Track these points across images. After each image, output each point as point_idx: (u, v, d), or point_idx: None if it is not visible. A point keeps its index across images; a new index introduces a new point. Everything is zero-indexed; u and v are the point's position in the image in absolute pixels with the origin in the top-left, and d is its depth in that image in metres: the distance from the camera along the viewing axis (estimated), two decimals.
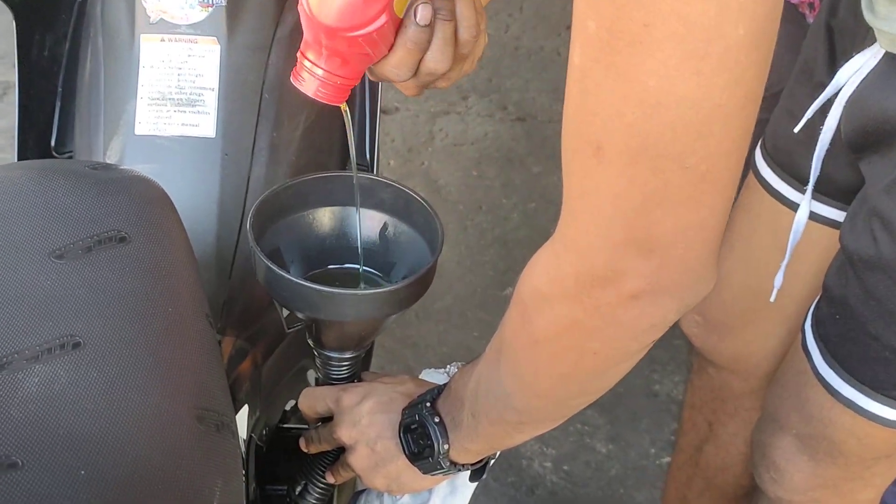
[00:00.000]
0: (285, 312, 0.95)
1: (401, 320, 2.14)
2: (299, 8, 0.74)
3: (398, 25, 0.76)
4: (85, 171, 0.76)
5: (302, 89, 0.79)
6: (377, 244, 0.99)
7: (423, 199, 0.95)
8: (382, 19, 0.73)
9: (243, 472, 0.71)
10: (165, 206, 0.78)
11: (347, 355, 0.99)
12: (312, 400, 1.00)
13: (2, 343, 0.58)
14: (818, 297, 1.02)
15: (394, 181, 0.98)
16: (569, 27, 0.58)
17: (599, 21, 0.54)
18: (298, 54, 0.78)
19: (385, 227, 0.98)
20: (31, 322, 0.60)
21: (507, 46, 2.88)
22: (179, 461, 0.57)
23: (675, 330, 1.35)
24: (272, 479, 1.07)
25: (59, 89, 1.15)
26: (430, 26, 0.76)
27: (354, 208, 0.97)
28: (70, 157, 1.12)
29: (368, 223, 0.99)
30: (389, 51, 0.77)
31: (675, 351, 2.07)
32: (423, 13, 0.75)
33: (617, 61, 0.55)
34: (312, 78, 0.77)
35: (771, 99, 1.18)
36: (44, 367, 0.57)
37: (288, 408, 1.19)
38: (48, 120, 1.15)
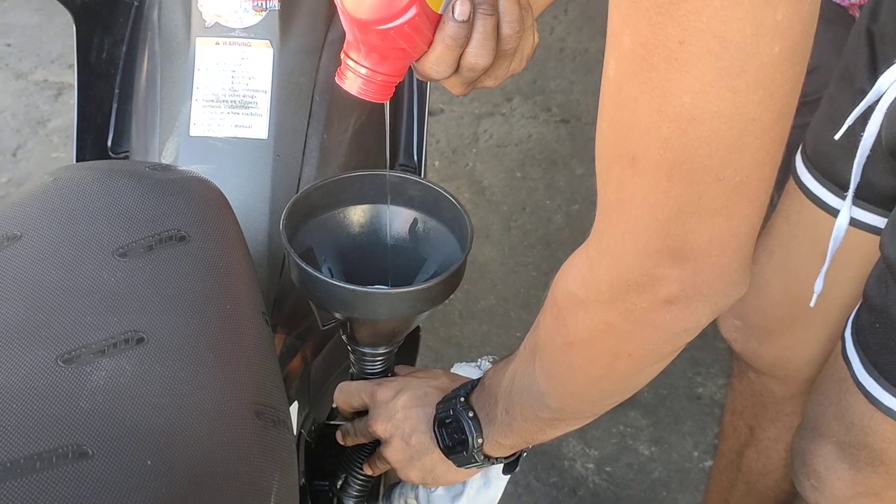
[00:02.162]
0: (319, 311, 0.97)
1: (444, 320, 2.16)
2: (336, 3, 0.75)
3: (437, 21, 0.76)
4: (146, 172, 0.78)
5: (345, 88, 0.80)
6: (407, 240, 1.00)
7: (451, 195, 0.96)
8: (412, 12, 0.73)
9: (297, 467, 0.72)
10: (223, 207, 0.80)
11: (381, 351, 1.00)
12: (347, 394, 1.01)
13: (70, 337, 0.60)
14: (859, 304, 1.02)
15: (422, 178, 0.99)
16: None
17: (635, 37, 0.55)
18: (342, 54, 0.79)
19: (415, 223, 0.99)
20: (97, 318, 0.62)
21: (551, 48, 2.89)
22: (240, 455, 0.58)
23: (719, 333, 1.36)
24: (320, 475, 1.09)
25: (117, 91, 1.18)
26: (470, 22, 0.76)
27: (384, 206, 0.99)
28: (126, 158, 1.15)
29: (398, 220, 1.00)
30: (429, 47, 0.77)
31: (719, 354, 2.07)
32: (461, 8, 0.75)
33: (652, 77, 0.55)
34: (355, 76, 0.78)
35: (814, 103, 1.18)
36: (110, 361, 0.59)
37: (335, 405, 1.21)
38: (105, 121, 1.18)
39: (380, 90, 0.79)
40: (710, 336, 2.07)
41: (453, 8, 0.75)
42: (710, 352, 2.09)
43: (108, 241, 0.69)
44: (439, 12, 0.76)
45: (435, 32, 0.77)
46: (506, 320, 2.13)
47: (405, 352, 1.19)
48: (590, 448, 1.93)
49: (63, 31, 2.80)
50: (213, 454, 0.56)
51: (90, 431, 0.53)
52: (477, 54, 0.78)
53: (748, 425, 1.43)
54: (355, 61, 0.78)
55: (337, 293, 0.88)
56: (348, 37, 0.77)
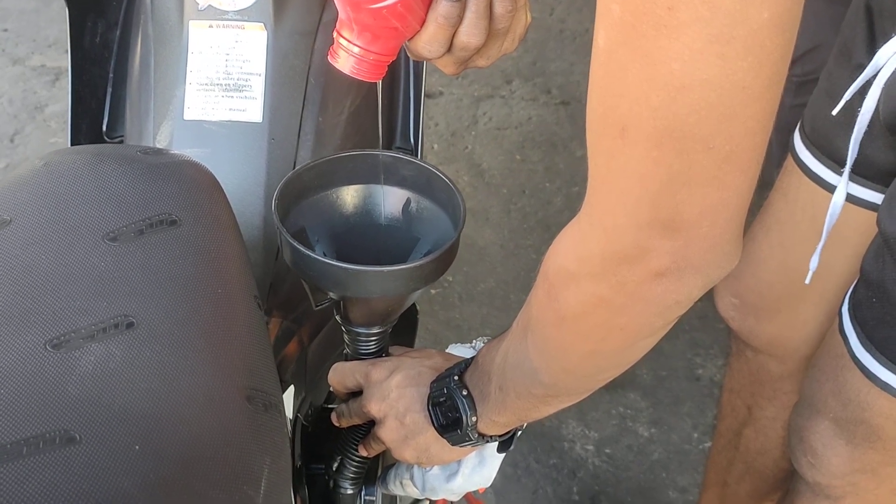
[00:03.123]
0: (313, 291, 0.97)
1: (444, 303, 2.16)
2: None
3: (429, 0, 0.76)
4: (136, 156, 0.78)
5: (338, 66, 0.80)
6: (400, 220, 0.99)
7: (444, 174, 0.96)
8: None
9: (289, 451, 0.72)
10: (214, 190, 0.80)
11: (375, 330, 1.00)
12: (342, 375, 1.01)
13: (59, 322, 0.60)
14: (856, 280, 1.02)
15: (415, 158, 0.99)
16: None
17: (624, 5, 0.55)
18: (334, 33, 0.79)
19: (408, 203, 0.99)
20: (87, 302, 0.62)
21: (551, 29, 2.88)
22: (230, 439, 0.58)
23: (719, 314, 1.36)
24: (316, 458, 1.09)
25: (111, 75, 1.17)
26: (463, 1, 0.76)
27: (376, 186, 0.98)
28: (121, 142, 1.14)
29: (391, 200, 0.99)
30: (421, 26, 0.77)
31: (718, 335, 2.07)
32: None
33: (642, 45, 0.55)
34: (347, 55, 0.78)
35: (815, 83, 1.17)
36: (99, 346, 0.58)
37: (330, 390, 1.21)
38: (100, 105, 1.17)
39: (372, 69, 0.79)
40: (710, 317, 2.08)
41: None
42: (709, 333, 2.09)
43: (98, 225, 0.69)
44: None
45: (427, 11, 0.77)
46: (505, 303, 2.12)
47: (403, 334, 1.18)
48: (589, 430, 1.93)
49: (59, 16, 2.78)
50: (202, 439, 0.56)
51: (78, 417, 0.52)
52: (469, 34, 0.78)
53: (746, 404, 1.43)
54: (348, 40, 0.78)
55: (330, 272, 0.88)
56: (341, 15, 0.77)
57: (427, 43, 0.78)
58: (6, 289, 0.63)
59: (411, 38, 0.79)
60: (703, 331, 2.09)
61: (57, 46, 2.71)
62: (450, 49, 0.80)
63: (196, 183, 0.78)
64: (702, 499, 1.60)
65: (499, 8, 0.78)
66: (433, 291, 2.04)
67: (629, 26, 0.55)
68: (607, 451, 1.90)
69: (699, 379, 2.03)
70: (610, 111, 0.60)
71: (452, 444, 0.93)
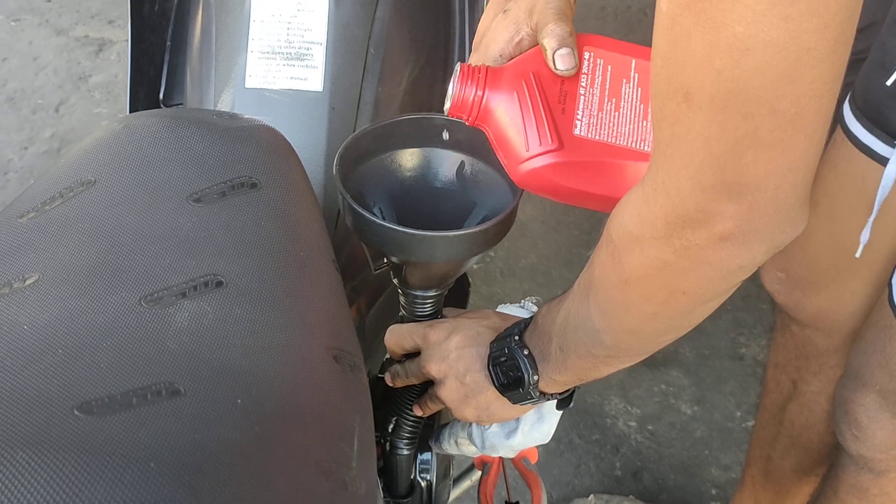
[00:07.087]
0: (373, 255, 0.97)
1: (486, 278, 2.16)
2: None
3: None
4: (214, 120, 0.78)
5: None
6: (455, 184, 0.99)
7: None
8: None
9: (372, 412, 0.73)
10: (290, 155, 0.80)
11: (432, 293, 1.00)
12: (399, 336, 1.01)
13: (151, 279, 0.60)
14: None
15: None
16: None
17: None
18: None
19: (462, 166, 0.99)
20: (176, 261, 0.63)
21: (592, 6, 2.86)
22: (323, 398, 0.59)
23: (762, 293, 1.35)
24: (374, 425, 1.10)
25: (168, 43, 1.18)
26: None
27: (433, 149, 0.99)
28: None
29: (447, 163, 0.99)
30: None
31: (762, 314, 2.06)
32: None
33: (705, 8, 0.55)
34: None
35: (856, 64, 1.16)
36: (192, 304, 0.59)
37: (385, 359, 1.22)
38: (157, 73, 1.18)
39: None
40: (754, 297, 2.07)
41: None
42: (752, 313, 2.08)
43: (181, 186, 0.69)
44: None
45: None
46: (547, 278, 2.12)
47: (456, 300, 1.19)
48: (632, 406, 1.93)
49: None
50: (298, 395, 0.57)
51: (180, 370, 0.53)
52: None
53: (791, 379, 1.43)
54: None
55: (395, 237, 0.88)
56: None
57: None
58: (96, 246, 0.63)
59: None
60: (747, 310, 2.08)
61: (100, 17, 2.71)
62: None
63: (273, 147, 0.78)
64: (746, 474, 1.61)
65: None
66: (475, 267, 2.04)
67: None
68: (650, 427, 1.91)
69: (742, 358, 2.03)
70: (674, 76, 0.60)
71: (513, 403, 0.93)
